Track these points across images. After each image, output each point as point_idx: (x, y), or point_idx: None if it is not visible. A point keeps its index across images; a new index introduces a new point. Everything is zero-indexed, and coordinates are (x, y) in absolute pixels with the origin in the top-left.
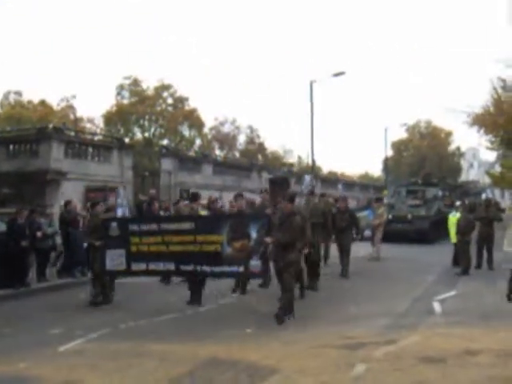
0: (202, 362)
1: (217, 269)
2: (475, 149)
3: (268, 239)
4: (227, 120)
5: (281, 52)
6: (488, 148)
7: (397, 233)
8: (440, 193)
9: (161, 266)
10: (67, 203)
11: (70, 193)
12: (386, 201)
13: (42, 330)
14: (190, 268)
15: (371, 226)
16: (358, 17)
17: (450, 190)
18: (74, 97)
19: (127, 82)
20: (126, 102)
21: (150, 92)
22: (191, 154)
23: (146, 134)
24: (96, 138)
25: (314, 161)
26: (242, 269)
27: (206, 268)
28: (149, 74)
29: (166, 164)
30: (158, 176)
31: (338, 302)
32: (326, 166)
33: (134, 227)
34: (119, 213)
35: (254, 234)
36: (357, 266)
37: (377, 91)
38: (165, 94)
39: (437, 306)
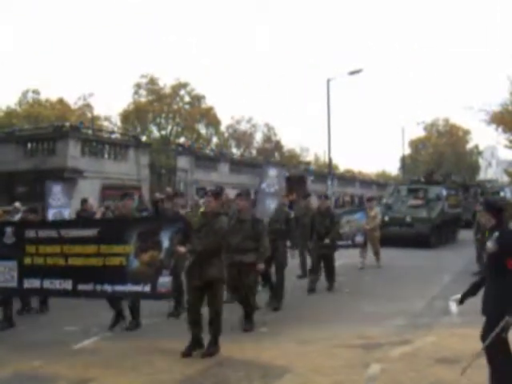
0: (215, 361)
1: (119, 288)
2: (493, 147)
3: (181, 248)
4: (244, 118)
5: (298, 50)
6: (506, 146)
7: (394, 237)
8: (444, 192)
9: (57, 285)
10: (83, 202)
11: (87, 191)
12: (384, 201)
13: (58, 328)
14: (89, 288)
15: (363, 230)
16: (375, 14)
17: (456, 188)
18: (91, 95)
19: (144, 80)
20: (143, 100)
21: (167, 90)
22: (208, 152)
23: (163, 132)
24: (113, 136)
25: (330, 159)
26: (148, 288)
27: (108, 287)
28: (166, 73)
29: (182, 162)
30: (175, 174)
31: (353, 301)
32: (343, 164)
33: (31, 233)
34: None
35: (165, 243)
36: (371, 266)
37: (394, 89)
38: (182, 92)
39: (453, 306)
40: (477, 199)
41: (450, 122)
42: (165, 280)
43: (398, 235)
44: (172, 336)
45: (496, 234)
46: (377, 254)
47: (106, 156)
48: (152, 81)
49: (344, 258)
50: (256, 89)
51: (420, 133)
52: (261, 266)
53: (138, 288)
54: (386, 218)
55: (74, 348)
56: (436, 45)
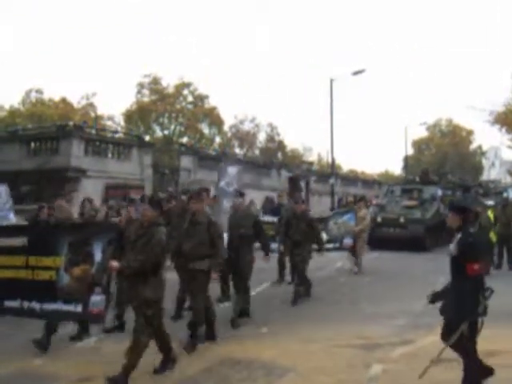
0: (217, 361)
1: (48, 306)
2: (497, 147)
3: (114, 264)
4: (247, 118)
5: (301, 50)
6: (510, 147)
7: (387, 238)
8: (439, 192)
9: None
10: (82, 202)
11: (90, 190)
12: (376, 201)
13: (58, 327)
14: (15, 304)
15: (352, 232)
16: (378, 14)
17: (452, 188)
18: (94, 95)
19: (147, 80)
20: (146, 99)
21: (170, 90)
22: (210, 151)
23: (166, 132)
24: (116, 135)
25: (333, 159)
26: (79, 308)
27: (36, 305)
28: (169, 73)
29: (186, 162)
30: (178, 174)
31: (354, 301)
32: (346, 164)
33: None
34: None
35: (97, 256)
36: (370, 266)
37: (397, 89)
38: (185, 92)
39: None
40: (477, 199)
41: (453, 123)
42: (97, 299)
43: (391, 237)
44: (173, 336)
45: (458, 236)
46: (359, 256)
47: (110, 155)
48: (155, 80)
49: (344, 260)
50: (259, 88)
51: (423, 133)
52: (215, 274)
53: (69, 307)
54: (379, 219)
55: (75, 347)
56: (439, 45)
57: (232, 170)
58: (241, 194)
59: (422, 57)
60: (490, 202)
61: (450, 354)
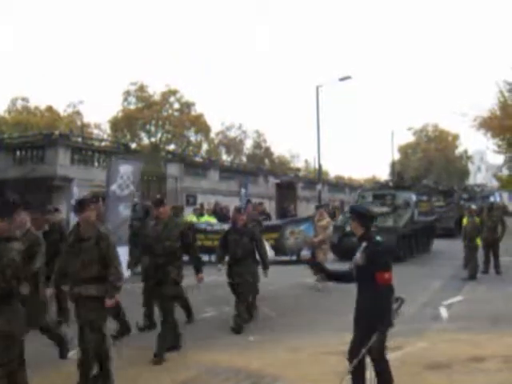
0: (204, 370)
1: None
2: (482, 152)
3: None
4: (234, 125)
5: (287, 57)
6: (495, 151)
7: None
8: (414, 198)
9: None
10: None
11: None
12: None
13: (44, 339)
14: None
15: (310, 243)
16: (363, 21)
17: (428, 193)
18: (80, 103)
19: (133, 87)
20: (132, 107)
21: (157, 97)
22: (198, 159)
23: (153, 139)
24: (103, 143)
25: (320, 165)
26: None
27: None
28: (155, 80)
29: (172, 169)
30: (165, 181)
31: (342, 307)
32: (333, 170)
33: None
34: None
35: None
36: None
37: (383, 95)
38: (171, 99)
39: (443, 312)
40: (460, 205)
41: (439, 128)
42: None
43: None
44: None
45: (364, 244)
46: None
47: (96, 164)
48: (141, 88)
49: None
50: (246, 95)
51: (409, 138)
52: (110, 302)
53: None
54: (348, 228)
55: (57, 359)
56: (425, 51)
57: (125, 168)
58: (160, 202)
59: (407, 63)
60: (473, 207)
61: (442, 359)
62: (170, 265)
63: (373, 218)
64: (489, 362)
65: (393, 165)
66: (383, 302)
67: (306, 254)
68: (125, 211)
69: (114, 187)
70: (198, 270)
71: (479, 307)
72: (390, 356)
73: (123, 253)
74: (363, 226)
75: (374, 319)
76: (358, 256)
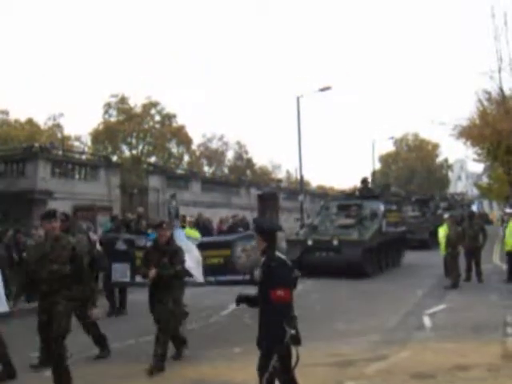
0: (189, 383)
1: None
2: (462, 161)
3: None
4: (215, 136)
5: (268, 67)
6: (475, 160)
7: (319, 264)
8: (382, 207)
9: None
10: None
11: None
12: (308, 220)
13: (28, 353)
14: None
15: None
16: (343, 31)
17: (398, 202)
18: (61, 115)
19: (114, 100)
20: (113, 119)
21: (138, 109)
22: (180, 171)
23: (134, 152)
24: (83, 156)
25: (302, 175)
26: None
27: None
28: (136, 92)
29: (154, 181)
30: (146, 194)
31: (326, 318)
32: (315, 180)
33: None
34: None
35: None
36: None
37: (364, 105)
38: (152, 112)
39: (427, 321)
40: (437, 215)
41: (420, 137)
42: None
43: (323, 262)
44: (145, 358)
45: (262, 260)
46: None
47: (77, 177)
48: (122, 100)
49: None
50: (227, 107)
51: (390, 148)
52: None
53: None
54: (310, 242)
55: (45, 375)
56: (404, 61)
57: None
58: (52, 215)
59: (387, 73)
60: (445, 216)
61: (426, 368)
62: (57, 294)
63: (273, 232)
64: (473, 370)
65: (373, 174)
66: (277, 321)
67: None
68: None
69: None
70: (89, 304)
71: (462, 315)
72: (375, 366)
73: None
74: (265, 241)
75: (270, 338)
76: (257, 272)
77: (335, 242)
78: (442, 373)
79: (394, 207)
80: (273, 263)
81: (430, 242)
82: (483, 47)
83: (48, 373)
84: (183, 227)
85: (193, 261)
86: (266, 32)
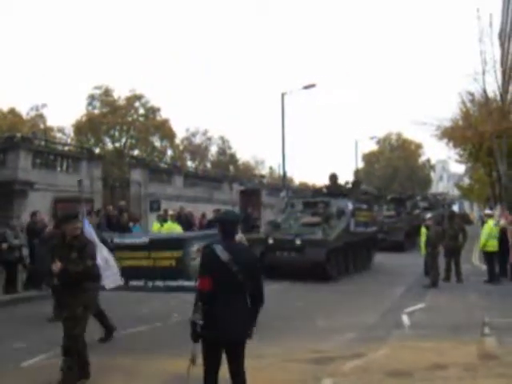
0: (170, 378)
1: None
2: (444, 161)
3: None
4: (199, 131)
5: (253, 63)
6: (457, 161)
7: (280, 264)
8: (350, 206)
9: None
10: (33, 214)
11: (38, 204)
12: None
13: (5, 345)
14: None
15: None
16: (328, 30)
17: (369, 201)
18: (44, 106)
19: (98, 91)
20: (96, 112)
21: (122, 102)
22: (163, 165)
23: (117, 145)
24: (66, 148)
25: (285, 172)
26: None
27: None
28: (120, 84)
29: (136, 175)
30: (128, 187)
31: (306, 316)
32: (298, 177)
33: None
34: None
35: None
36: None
37: (348, 103)
38: (136, 105)
39: (405, 319)
40: (415, 215)
41: (403, 137)
42: None
43: (285, 263)
44: (126, 352)
45: None
46: None
47: (59, 168)
48: (106, 92)
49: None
50: (211, 102)
51: (373, 147)
52: None
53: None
54: (270, 241)
55: (22, 366)
56: (389, 61)
57: None
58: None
59: (371, 72)
60: (428, 215)
61: (403, 366)
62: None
63: (225, 222)
64: (450, 369)
65: (356, 172)
66: (196, 308)
67: None
68: None
69: None
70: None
71: (441, 315)
72: (352, 363)
73: None
74: (221, 231)
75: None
76: None
77: (298, 242)
78: (419, 371)
79: (365, 206)
80: (206, 249)
81: (405, 244)
82: (468, 49)
83: (26, 363)
84: (165, 220)
85: (103, 261)
86: (252, 28)
